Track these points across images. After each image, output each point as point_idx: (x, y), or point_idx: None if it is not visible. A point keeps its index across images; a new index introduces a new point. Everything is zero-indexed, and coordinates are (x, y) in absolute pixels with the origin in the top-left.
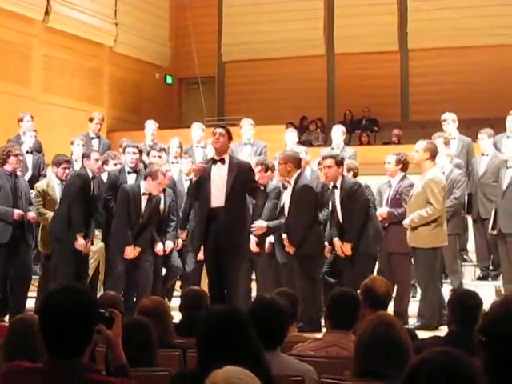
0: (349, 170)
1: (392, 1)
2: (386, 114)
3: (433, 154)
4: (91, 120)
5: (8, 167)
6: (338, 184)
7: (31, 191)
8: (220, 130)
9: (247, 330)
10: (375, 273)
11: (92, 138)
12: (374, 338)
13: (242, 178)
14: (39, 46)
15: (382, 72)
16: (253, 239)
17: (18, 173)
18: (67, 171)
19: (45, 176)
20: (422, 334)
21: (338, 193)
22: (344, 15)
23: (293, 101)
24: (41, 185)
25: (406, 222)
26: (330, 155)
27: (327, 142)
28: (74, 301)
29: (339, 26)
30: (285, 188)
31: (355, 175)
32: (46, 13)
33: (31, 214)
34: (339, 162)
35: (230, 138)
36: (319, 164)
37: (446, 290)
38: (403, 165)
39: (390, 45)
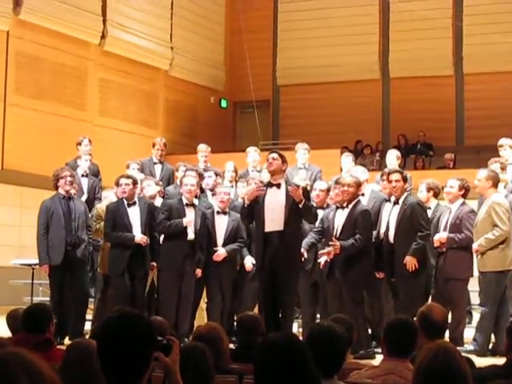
0: (429, 189)
1: (447, 25)
2: (441, 139)
3: (495, 182)
4: (154, 145)
5: (61, 190)
6: (401, 200)
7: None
8: (273, 155)
9: (307, 360)
10: (430, 299)
11: (155, 163)
12: (433, 367)
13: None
14: (95, 69)
15: (436, 96)
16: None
17: (74, 195)
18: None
19: (100, 199)
20: (476, 361)
21: (397, 209)
22: (399, 40)
23: (348, 125)
24: (101, 206)
25: (474, 247)
26: (397, 170)
27: (382, 166)
28: (131, 327)
29: (394, 50)
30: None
31: (436, 195)
32: (103, 37)
33: (144, 238)
34: (405, 178)
35: (283, 161)
36: (382, 175)
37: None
38: (465, 191)
39: (445, 69)
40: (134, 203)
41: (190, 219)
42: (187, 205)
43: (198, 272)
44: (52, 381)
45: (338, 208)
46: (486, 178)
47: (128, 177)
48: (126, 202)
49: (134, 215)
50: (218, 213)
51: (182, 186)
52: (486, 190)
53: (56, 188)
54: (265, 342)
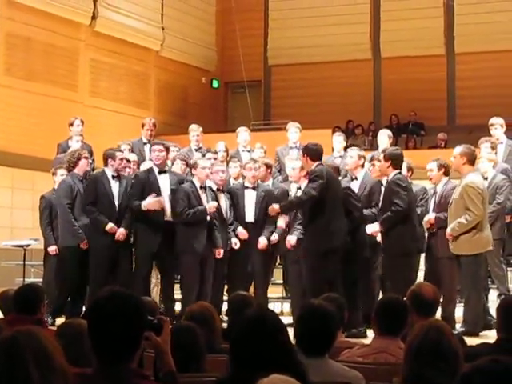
0: (409, 169)
1: (439, 4)
2: (433, 118)
3: (470, 158)
4: (143, 126)
5: (79, 171)
6: (384, 180)
7: None
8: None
9: (279, 334)
10: (422, 277)
11: (144, 144)
12: (425, 344)
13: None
14: (86, 50)
15: (428, 76)
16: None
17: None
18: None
19: None
20: (467, 341)
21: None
22: (390, 19)
23: (339, 105)
24: None
25: (448, 232)
26: (384, 150)
27: (374, 146)
28: (121, 307)
29: (385, 30)
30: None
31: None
32: (93, 17)
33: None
34: (388, 157)
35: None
36: (372, 159)
37: (493, 296)
38: (445, 169)
39: (437, 48)
40: (165, 172)
41: (214, 204)
42: (200, 187)
43: (220, 252)
44: (61, 367)
45: None
46: (460, 154)
47: (159, 143)
48: (156, 170)
49: (165, 184)
50: (218, 190)
51: (196, 168)
52: (460, 167)
53: (73, 167)
54: (240, 318)
